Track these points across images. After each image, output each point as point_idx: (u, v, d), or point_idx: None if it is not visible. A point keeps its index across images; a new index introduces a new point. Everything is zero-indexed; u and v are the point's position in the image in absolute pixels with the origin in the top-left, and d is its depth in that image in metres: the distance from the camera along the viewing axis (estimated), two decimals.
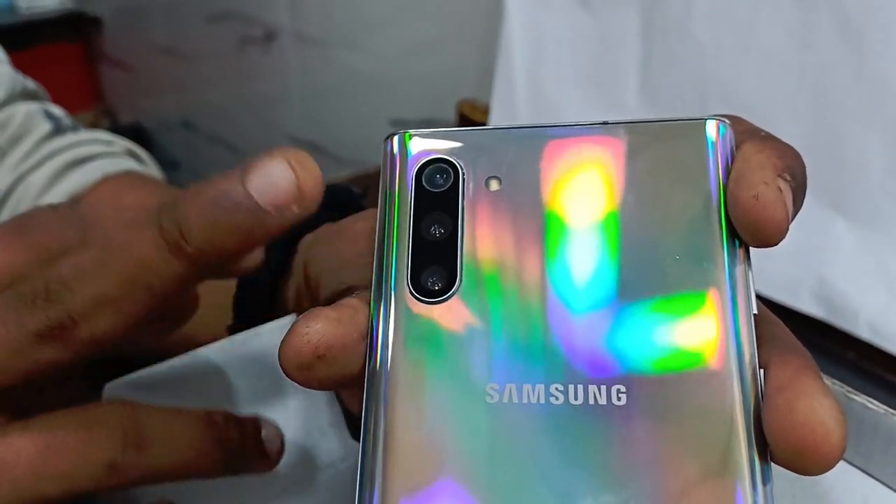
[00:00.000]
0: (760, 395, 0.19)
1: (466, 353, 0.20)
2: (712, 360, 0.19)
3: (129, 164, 0.51)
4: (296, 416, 0.33)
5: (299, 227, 0.37)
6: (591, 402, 0.19)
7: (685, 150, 0.21)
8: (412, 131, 0.23)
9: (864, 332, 0.50)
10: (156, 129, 1.69)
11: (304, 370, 0.20)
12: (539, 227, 0.21)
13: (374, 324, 0.21)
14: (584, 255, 0.21)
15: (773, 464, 0.19)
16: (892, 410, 0.29)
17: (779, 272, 0.54)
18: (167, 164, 1.66)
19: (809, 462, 0.18)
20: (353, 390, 0.21)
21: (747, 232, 0.20)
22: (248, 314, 0.38)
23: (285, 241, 0.38)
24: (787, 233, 0.20)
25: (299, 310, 0.35)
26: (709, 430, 0.19)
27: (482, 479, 0.19)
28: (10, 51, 0.55)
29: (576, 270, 0.21)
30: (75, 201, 0.48)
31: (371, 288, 0.22)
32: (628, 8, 0.63)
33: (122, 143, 0.53)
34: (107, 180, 0.49)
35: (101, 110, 1.81)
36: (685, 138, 0.22)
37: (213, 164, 1.53)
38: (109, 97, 1.83)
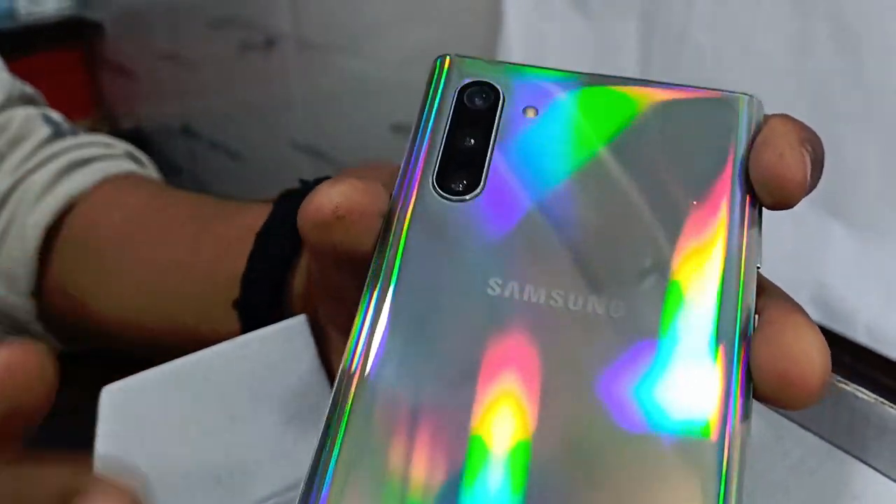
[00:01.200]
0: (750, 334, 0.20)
1: (475, 249, 0.21)
2: (711, 295, 0.20)
3: (129, 166, 0.51)
4: (297, 420, 0.33)
5: None
6: (589, 310, 0.20)
7: (719, 115, 0.23)
8: (461, 55, 0.25)
9: (861, 337, 0.51)
10: (157, 135, 1.69)
11: (320, 228, 0.21)
12: (566, 156, 0.23)
13: (393, 207, 0.22)
14: (605, 189, 0.22)
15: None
16: (881, 399, 0.29)
17: (777, 277, 0.54)
18: (168, 169, 1.66)
19: (792, 391, 0.19)
20: (347, 290, 0.22)
21: (767, 189, 0.22)
22: (255, 293, 0.38)
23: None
24: (804, 196, 0.21)
25: (306, 305, 0.35)
26: (695, 356, 0.19)
27: (466, 368, 0.20)
28: (11, 56, 0.55)
29: (593, 199, 0.22)
30: (75, 202, 0.48)
31: (397, 178, 0.23)
32: (627, 15, 0.64)
33: (122, 146, 0.53)
34: (108, 181, 0.49)
35: (101, 116, 1.82)
36: (721, 105, 0.23)
37: (214, 170, 1.54)
38: (110, 103, 1.84)
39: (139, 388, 0.32)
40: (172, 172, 1.64)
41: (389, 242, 0.21)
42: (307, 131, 1.24)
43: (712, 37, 0.58)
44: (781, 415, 0.33)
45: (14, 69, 0.55)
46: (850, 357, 0.50)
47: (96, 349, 0.51)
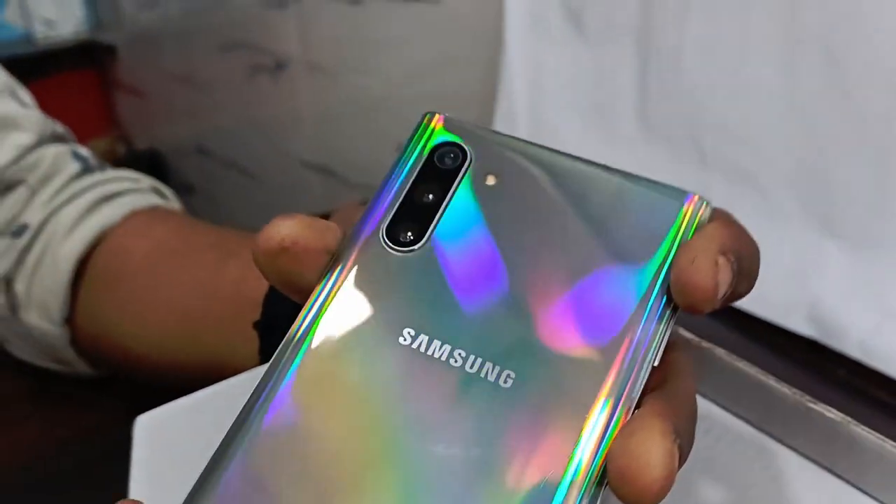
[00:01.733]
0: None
1: (400, 298, 0.23)
2: (595, 390, 0.21)
3: (154, 200, 0.54)
4: None
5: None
6: (482, 375, 0.22)
7: (662, 209, 0.24)
8: (447, 116, 0.27)
9: (854, 352, 0.51)
10: (171, 155, 1.71)
11: (268, 255, 0.24)
12: (509, 225, 0.24)
13: (341, 247, 0.24)
14: (534, 263, 0.23)
15: None
16: (848, 418, 0.31)
17: (773, 294, 0.56)
18: (183, 188, 1.68)
19: (628, 487, 0.19)
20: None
21: (677, 292, 0.22)
22: (275, 315, 0.41)
23: None
24: (714, 305, 0.22)
25: None
26: (560, 444, 0.21)
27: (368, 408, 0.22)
28: (28, 79, 0.58)
29: (520, 271, 0.23)
30: (105, 234, 0.50)
31: (355, 224, 0.25)
32: (624, 41, 0.65)
33: (147, 181, 0.56)
34: (135, 214, 0.52)
35: (116, 136, 1.84)
36: (667, 200, 0.24)
37: (227, 188, 1.56)
38: (125, 123, 1.86)
39: (168, 417, 0.35)
40: (187, 191, 1.66)
41: (326, 279, 0.23)
42: (317, 150, 1.25)
43: (704, 62, 0.60)
44: (763, 432, 0.35)
45: (32, 91, 0.57)
46: (845, 371, 0.52)
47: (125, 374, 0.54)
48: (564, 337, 0.22)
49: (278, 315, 0.41)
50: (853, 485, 0.32)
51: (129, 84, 1.77)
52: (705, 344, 0.37)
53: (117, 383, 0.54)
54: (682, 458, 0.21)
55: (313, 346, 0.23)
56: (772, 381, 0.34)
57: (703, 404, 0.37)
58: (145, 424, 0.34)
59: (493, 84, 0.78)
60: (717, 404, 0.37)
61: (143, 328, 0.48)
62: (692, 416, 0.23)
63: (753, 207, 0.57)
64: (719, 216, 0.25)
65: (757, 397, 0.35)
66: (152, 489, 0.32)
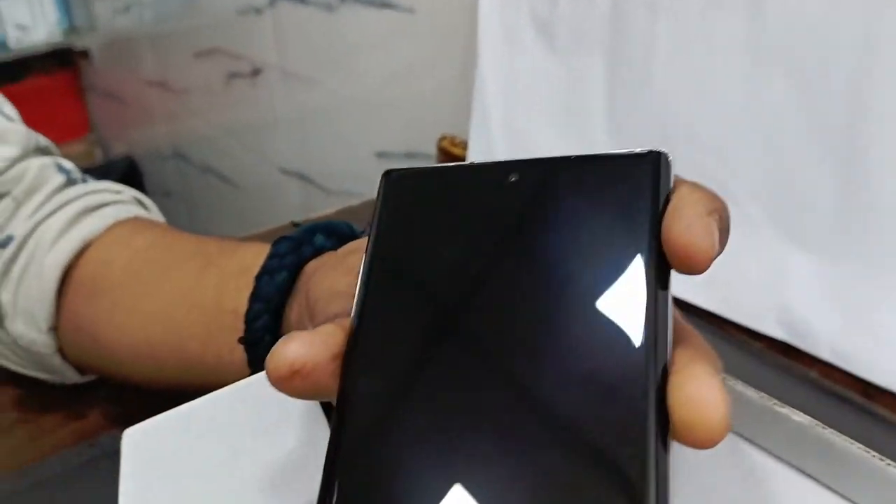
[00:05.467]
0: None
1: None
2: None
3: (137, 211, 0.55)
4: (296, 455, 0.35)
5: (306, 254, 0.42)
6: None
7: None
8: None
9: (824, 354, 0.53)
10: (148, 159, 1.71)
11: (283, 382, 0.24)
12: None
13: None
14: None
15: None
16: (815, 421, 0.32)
17: (745, 300, 0.58)
18: (161, 192, 1.68)
19: (696, 433, 0.20)
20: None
21: (677, 258, 0.23)
22: (257, 329, 0.42)
23: (293, 264, 0.42)
24: (711, 264, 0.23)
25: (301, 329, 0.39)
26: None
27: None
28: (2, 84, 0.58)
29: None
30: (89, 244, 0.51)
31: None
32: (593, 52, 0.67)
33: (129, 192, 0.56)
34: (118, 224, 0.52)
35: (92, 141, 1.83)
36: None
37: (204, 193, 1.56)
38: (101, 128, 1.86)
39: (155, 430, 0.35)
40: (164, 195, 1.66)
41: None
42: (293, 157, 1.26)
43: (672, 75, 0.62)
44: (734, 433, 0.36)
45: (7, 95, 0.58)
46: (816, 372, 0.53)
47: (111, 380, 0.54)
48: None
49: (260, 329, 0.43)
50: (824, 485, 0.33)
51: (104, 89, 1.76)
52: None
53: (104, 391, 0.54)
54: None
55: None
56: (739, 386, 0.35)
57: None
58: (133, 438, 0.35)
59: (466, 89, 0.80)
60: None
61: (129, 336, 0.49)
62: (712, 352, 0.24)
63: None
64: (680, 179, 0.25)
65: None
66: (141, 501, 0.33)
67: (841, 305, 0.54)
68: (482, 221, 0.25)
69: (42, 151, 0.56)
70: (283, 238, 0.44)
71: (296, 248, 0.43)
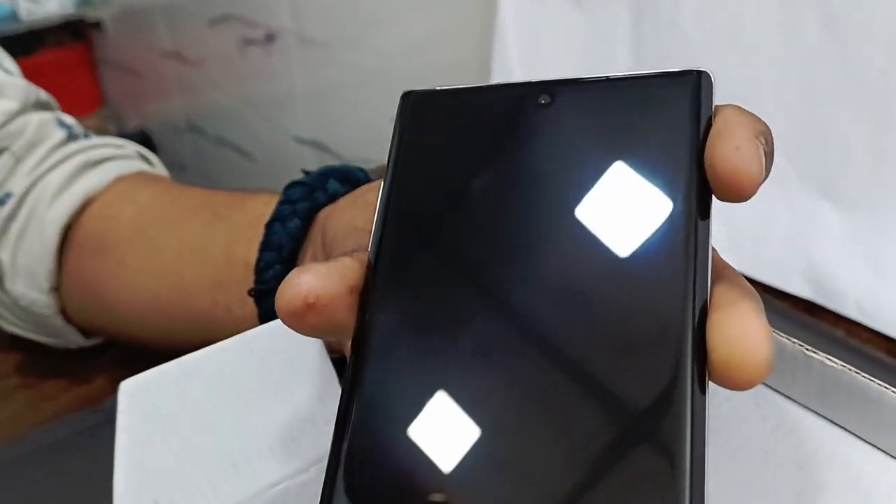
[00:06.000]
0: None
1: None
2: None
3: (140, 165, 0.53)
4: (304, 410, 0.34)
5: (319, 201, 0.40)
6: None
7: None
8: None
9: (852, 312, 0.52)
10: (162, 132, 1.70)
11: (295, 317, 0.22)
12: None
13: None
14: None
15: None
16: (847, 366, 0.30)
17: (771, 257, 0.56)
18: (175, 165, 1.67)
19: (738, 373, 0.19)
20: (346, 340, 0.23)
21: (723, 183, 0.21)
22: (268, 279, 0.40)
23: (305, 210, 0.40)
24: (757, 190, 0.21)
25: None
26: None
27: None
28: (15, 58, 0.57)
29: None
30: (90, 199, 0.50)
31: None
32: (618, 4, 0.65)
33: (132, 147, 0.55)
34: (120, 179, 0.51)
35: (106, 115, 1.83)
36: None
37: (219, 165, 1.55)
38: (115, 102, 1.85)
39: (155, 382, 0.33)
40: (179, 169, 1.65)
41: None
42: (310, 125, 1.25)
43: (701, 25, 0.59)
44: (763, 383, 0.34)
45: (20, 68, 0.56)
46: (842, 331, 0.52)
47: (117, 342, 0.53)
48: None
49: (271, 279, 0.41)
50: (854, 433, 0.31)
51: (118, 61, 1.76)
52: None
53: (107, 355, 0.53)
54: None
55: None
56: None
57: None
58: (130, 390, 0.33)
59: (486, 57, 0.77)
60: None
61: (135, 294, 0.47)
62: (753, 290, 0.22)
63: None
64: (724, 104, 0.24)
65: None
66: (138, 455, 0.31)
67: (872, 262, 0.53)
68: (510, 147, 0.23)
69: (42, 106, 0.54)
70: (295, 183, 0.42)
71: (309, 194, 0.41)
